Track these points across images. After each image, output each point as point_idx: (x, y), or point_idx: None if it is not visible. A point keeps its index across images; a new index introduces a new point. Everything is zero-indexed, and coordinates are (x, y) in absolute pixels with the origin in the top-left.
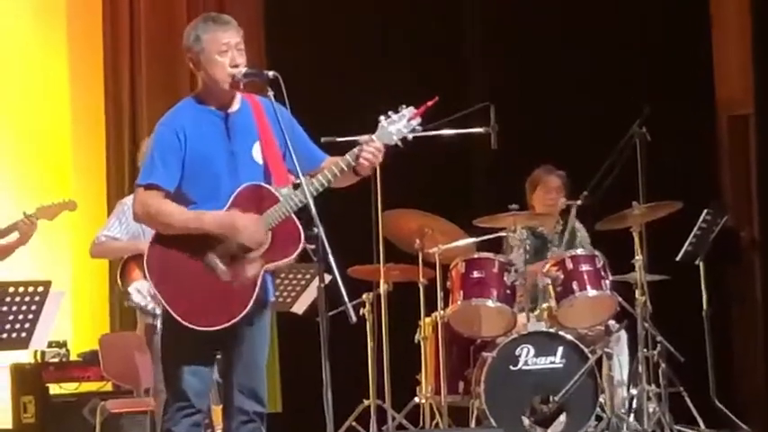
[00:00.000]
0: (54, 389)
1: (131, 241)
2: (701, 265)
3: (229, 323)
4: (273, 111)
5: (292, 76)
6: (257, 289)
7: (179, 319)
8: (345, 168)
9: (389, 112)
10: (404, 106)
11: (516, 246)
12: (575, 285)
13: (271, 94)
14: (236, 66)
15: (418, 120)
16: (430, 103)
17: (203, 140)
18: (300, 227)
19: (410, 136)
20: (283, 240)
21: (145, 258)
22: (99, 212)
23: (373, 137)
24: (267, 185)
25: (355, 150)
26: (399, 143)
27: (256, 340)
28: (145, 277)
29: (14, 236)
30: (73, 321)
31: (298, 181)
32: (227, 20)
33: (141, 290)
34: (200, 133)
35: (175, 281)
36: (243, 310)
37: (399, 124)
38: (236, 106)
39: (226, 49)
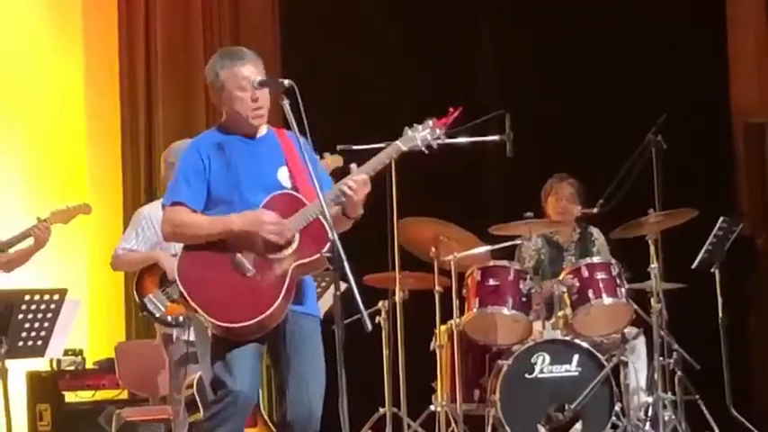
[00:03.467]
0: (70, 397)
1: (149, 252)
2: (717, 272)
3: (258, 318)
4: (298, 142)
5: (307, 83)
6: (286, 285)
7: (214, 321)
8: (332, 204)
9: (414, 124)
10: (428, 119)
11: (529, 257)
12: (590, 293)
13: (285, 102)
14: (257, 100)
15: (443, 129)
16: (455, 113)
17: (228, 164)
18: (328, 226)
19: (434, 144)
20: (311, 238)
21: (177, 269)
22: (115, 220)
23: (398, 142)
24: (297, 194)
25: (337, 186)
26: (425, 149)
27: (305, 356)
28: (160, 287)
29: (30, 241)
30: (89, 329)
31: None
32: (244, 53)
33: (155, 301)
34: (225, 157)
35: (208, 287)
36: (272, 305)
37: (424, 132)
38: (261, 133)
39: (245, 85)
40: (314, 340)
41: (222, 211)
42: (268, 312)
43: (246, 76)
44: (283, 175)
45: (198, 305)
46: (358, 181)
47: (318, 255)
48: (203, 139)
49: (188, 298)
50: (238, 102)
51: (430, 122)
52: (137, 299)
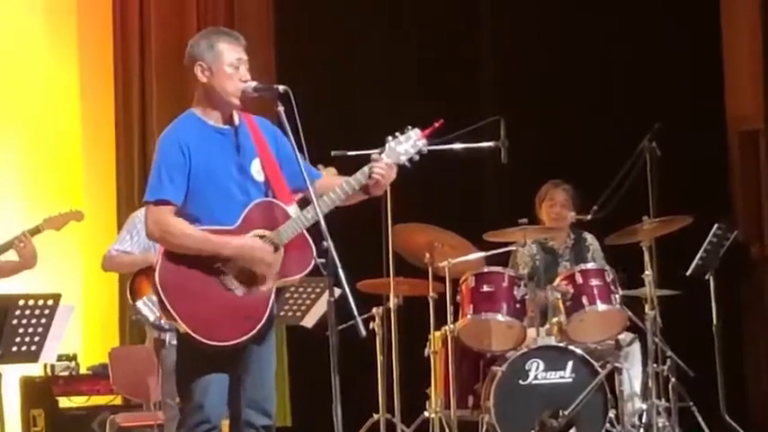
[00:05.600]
0: (64, 402)
1: (142, 255)
2: (711, 279)
3: (243, 338)
4: (270, 128)
5: (302, 90)
6: (270, 305)
7: (193, 334)
8: (357, 187)
9: (396, 133)
10: (410, 127)
11: (523, 264)
12: (584, 300)
13: (281, 108)
14: (245, 81)
15: (424, 141)
16: (437, 125)
17: (207, 157)
18: (312, 243)
19: (416, 156)
20: (296, 256)
21: (157, 274)
22: (109, 225)
23: (382, 155)
24: (278, 202)
25: (366, 168)
26: (407, 163)
27: (264, 354)
28: (154, 291)
29: (13, 255)
30: (83, 335)
31: (298, 197)
32: (240, 36)
33: (149, 304)
34: (204, 149)
35: (189, 296)
36: (257, 325)
37: (406, 145)
38: (236, 122)
39: (238, 64)
40: (271, 341)
41: (197, 202)
42: (254, 332)
43: (240, 57)
44: (256, 168)
45: (182, 320)
46: (383, 166)
47: (303, 273)
48: (181, 130)
49: (172, 310)
50: (226, 78)
51: (412, 134)
52: (130, 302)
